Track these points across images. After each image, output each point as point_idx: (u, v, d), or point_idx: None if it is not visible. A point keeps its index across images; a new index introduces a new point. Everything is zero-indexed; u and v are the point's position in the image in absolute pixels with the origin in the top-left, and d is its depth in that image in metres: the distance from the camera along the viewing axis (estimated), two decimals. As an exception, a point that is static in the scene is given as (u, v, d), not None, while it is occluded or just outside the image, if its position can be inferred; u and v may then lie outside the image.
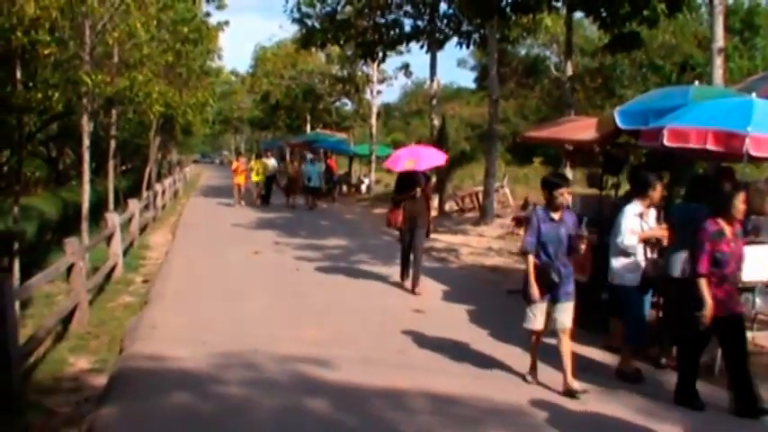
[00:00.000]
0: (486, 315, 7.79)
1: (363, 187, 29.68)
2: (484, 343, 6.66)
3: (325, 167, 23.91)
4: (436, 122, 20.84)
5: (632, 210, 5.75)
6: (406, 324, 7.32)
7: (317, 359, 5.85)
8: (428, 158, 9.25)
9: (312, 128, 39.32)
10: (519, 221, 15.67)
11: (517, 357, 6.06)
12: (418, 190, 8.90)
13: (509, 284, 9.89)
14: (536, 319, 5.34)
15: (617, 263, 5.77)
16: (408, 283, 9.09)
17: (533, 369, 5.54)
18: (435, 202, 19.42)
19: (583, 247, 5.32)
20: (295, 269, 10.63)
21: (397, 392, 5.17)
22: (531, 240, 5.31)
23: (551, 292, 5.28)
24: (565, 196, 5.35)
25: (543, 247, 5.30)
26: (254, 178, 22.29)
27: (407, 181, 8.97)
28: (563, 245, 5.31)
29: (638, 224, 5.71)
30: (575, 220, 5.44)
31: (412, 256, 9.07)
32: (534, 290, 5.26)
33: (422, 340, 6.68)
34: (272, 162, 23.23)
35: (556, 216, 5.32)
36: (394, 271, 10.42)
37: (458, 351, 6.31)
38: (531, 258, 5.31)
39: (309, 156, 23.79)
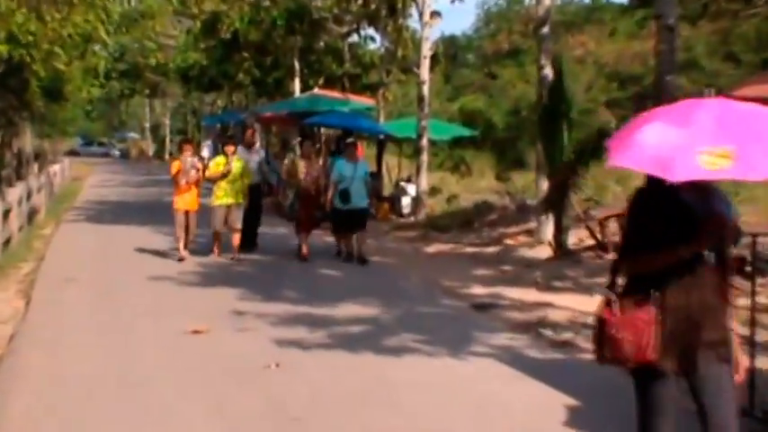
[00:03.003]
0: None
1: (405, 202, 29.87)
2: None
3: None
4: (548, 71, 20.76)
5: None
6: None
7: None
8: None
9: (305, 86, 39.63)
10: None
11: None
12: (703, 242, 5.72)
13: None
14: None
15: None
16: None
17: None
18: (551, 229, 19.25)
19: None
20: (272, 365, 10.61)
21: None
22: None
23: None
24: None
25: None
26: (220, 201, 19.37)
27: (671, 208, 5.81)
28: None
29: None
30: None
31: None
32: None
33: None
34: (254, 158, 20.96)
35: None
36: (472, 369, 10.36)
37: None
38: None
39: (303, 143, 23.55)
